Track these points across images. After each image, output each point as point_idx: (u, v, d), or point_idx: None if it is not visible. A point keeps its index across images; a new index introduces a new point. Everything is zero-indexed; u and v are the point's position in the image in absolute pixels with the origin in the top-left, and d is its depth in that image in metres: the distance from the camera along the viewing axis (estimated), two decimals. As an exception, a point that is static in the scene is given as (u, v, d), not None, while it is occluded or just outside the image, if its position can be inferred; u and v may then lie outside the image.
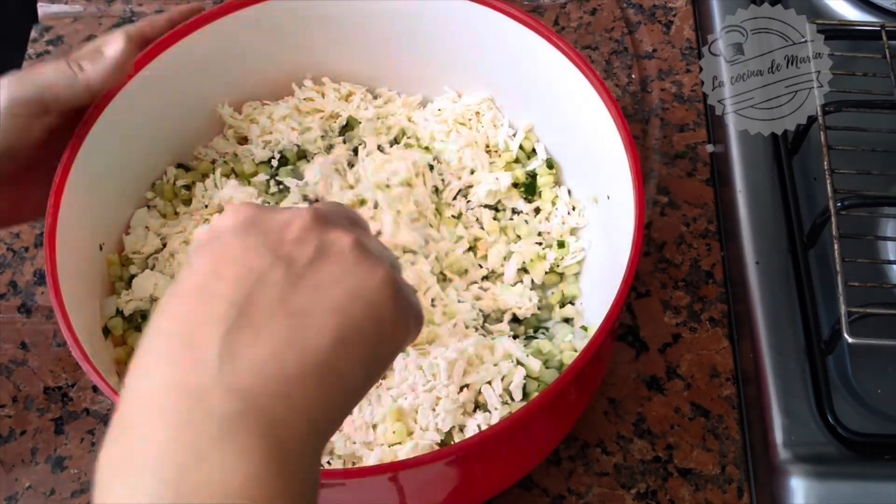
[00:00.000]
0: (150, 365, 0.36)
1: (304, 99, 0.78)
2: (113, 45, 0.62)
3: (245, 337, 0.36)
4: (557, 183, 0.76)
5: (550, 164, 0.76)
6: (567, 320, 0.71)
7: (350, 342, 0.38)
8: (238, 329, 0.36)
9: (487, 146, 0.77)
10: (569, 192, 0.76)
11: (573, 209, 0.75)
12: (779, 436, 0.68)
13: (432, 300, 0.69)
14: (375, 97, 0.80)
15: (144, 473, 0.33)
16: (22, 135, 0.60)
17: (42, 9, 0.94)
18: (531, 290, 0.72)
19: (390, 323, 0.40)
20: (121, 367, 0.67)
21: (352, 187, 0.72)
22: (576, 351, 0.68)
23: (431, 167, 0.74)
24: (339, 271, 0.39)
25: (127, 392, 0.36)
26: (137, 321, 0.69)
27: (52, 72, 0.61)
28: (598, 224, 0.73)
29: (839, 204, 0.70)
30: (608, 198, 0.70)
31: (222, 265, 0.38)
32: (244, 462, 0.33)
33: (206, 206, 0.73)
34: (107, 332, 0.68)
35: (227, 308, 0.36)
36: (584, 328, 0.69)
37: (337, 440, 0.63)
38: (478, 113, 0.77)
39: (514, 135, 0.77)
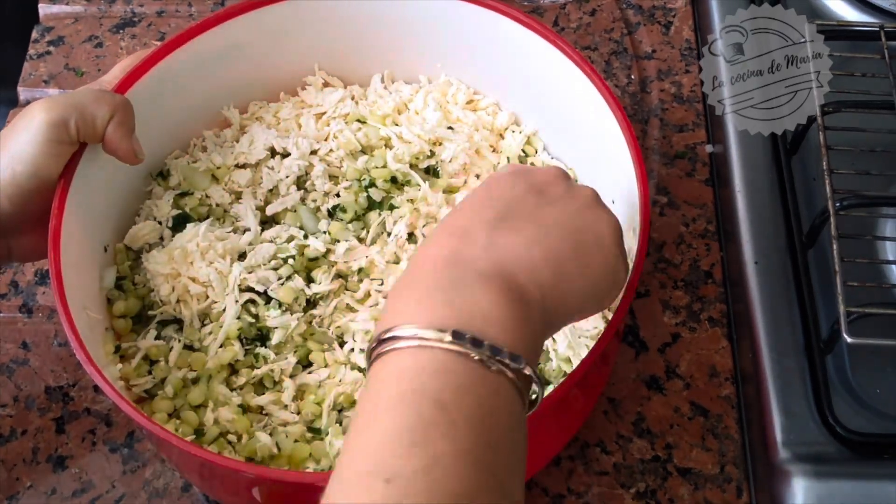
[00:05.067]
0: (438, 242, 0.49)
1: (309, 105, 0.78)
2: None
3: (504, 231, 0.49)
4: None
5: None
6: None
7: (579, 258, 0.50)
8: (500, 227, 0.49)
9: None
10: None
11: None
12: (778, 435, 0.68)
13: None
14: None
15: (427, 292, 0.47)
16: (58, 160, 0.61)
17: (43, 9, 0.95)
18: None
19: (611, 255, 0.52)
20: (125, 362, 0.67)
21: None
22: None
23: None
24: (580, 207, 0.52)
25: (419, 253, 0.50)
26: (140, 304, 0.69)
27: (88, 93, 0.62)
28: None
29: (838, 204, 0.70)
30: (613, 202, 0.70)
31: (495, 190, 0.52)
32: (491, 296, 0.46)
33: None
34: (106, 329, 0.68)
35: (494, 213, 0.50)
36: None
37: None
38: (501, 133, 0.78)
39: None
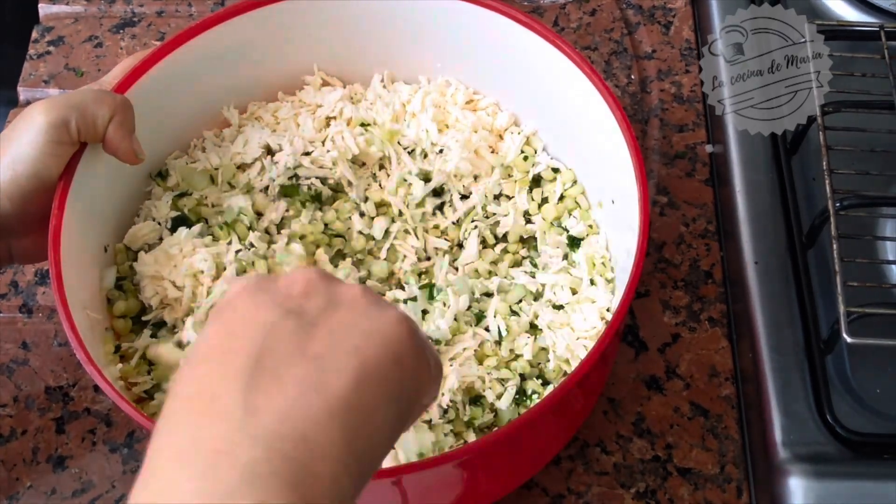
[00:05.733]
0: (173, 424, 0.36)
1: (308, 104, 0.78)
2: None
3: (265, 386, 0.36)
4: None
5: (556, 170, 0.76)
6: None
7: (372, 381, 0.38)
8: (257, 380, 0.36)
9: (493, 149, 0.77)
10: (575, 200, 0.75)
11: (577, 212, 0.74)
12: (778, 435, 0.68)
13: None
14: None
15: None
16: (59, 160, 0.61)
17: (43, 9, 0.95)
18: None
19: (410, 358, 0.40)
20: (125, 362, 0.67)
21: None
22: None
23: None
24: (352, 316, 0.39)
25: (153, 451, 0.36)
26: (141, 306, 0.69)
27: (88, 93, 0.62)
28: (602, 227, 0.73)
29: (838, 204, 0.70)
30: (612, 202, 0.70)
31: (235, 324, 0.38)
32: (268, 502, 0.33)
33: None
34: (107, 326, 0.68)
35: (244, 361, 0.37)
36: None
37: None
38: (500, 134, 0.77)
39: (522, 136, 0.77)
